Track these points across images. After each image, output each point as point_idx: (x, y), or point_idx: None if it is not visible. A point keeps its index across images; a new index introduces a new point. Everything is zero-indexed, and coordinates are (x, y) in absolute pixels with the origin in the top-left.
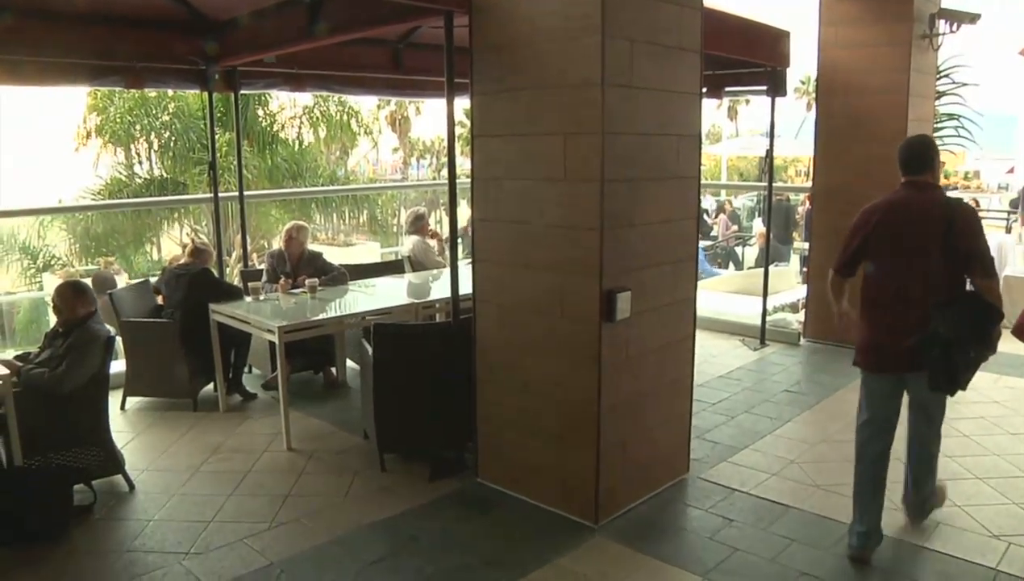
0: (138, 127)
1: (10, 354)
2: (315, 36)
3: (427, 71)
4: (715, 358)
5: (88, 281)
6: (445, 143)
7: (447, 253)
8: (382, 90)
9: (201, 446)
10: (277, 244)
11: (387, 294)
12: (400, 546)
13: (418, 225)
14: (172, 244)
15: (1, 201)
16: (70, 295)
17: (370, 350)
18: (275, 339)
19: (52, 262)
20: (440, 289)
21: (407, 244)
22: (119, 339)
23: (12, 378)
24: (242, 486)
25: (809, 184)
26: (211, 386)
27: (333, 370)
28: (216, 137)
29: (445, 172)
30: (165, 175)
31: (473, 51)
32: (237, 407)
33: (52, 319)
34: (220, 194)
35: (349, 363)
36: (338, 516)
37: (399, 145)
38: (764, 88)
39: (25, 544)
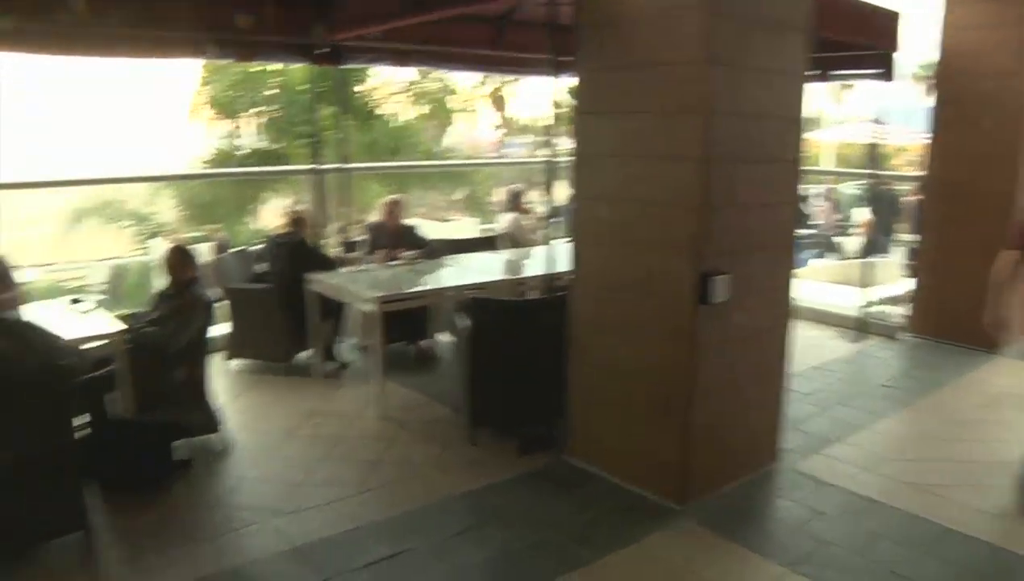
0: (244, 100)
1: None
2: (421, 12)
3: (529, 48)
4: (811, 348)
5: (198, 246)
6: (543, 122)
7: (542, 230)
8: (484, 67)
9: (296, 410)
10: (376, 217)
11: (482, 269)
12: (486, 518)
13: (515, 202)
14: (273, 214)
15: (115, 169)
16: (178, 259)
17: (465, 323)
18: (373, 309)
19: (161, 229)
20: (535, 266)
21: (504, 221)
22: (225, 302)
23: (124, 335)
24: (334, 450)
25: (918, 173)
26: (308, 352)
27: (426, 342)
28: (319, 111)
29: (543, 151)
30: (268, 147)
31: (578, 28)
32: (332, 374)
33: (160, 283)
34: (322, 166)
35: (442, 336)
36: (426, 485)
37: (497, 123)
38: (873, 72)
39: (128, 494)
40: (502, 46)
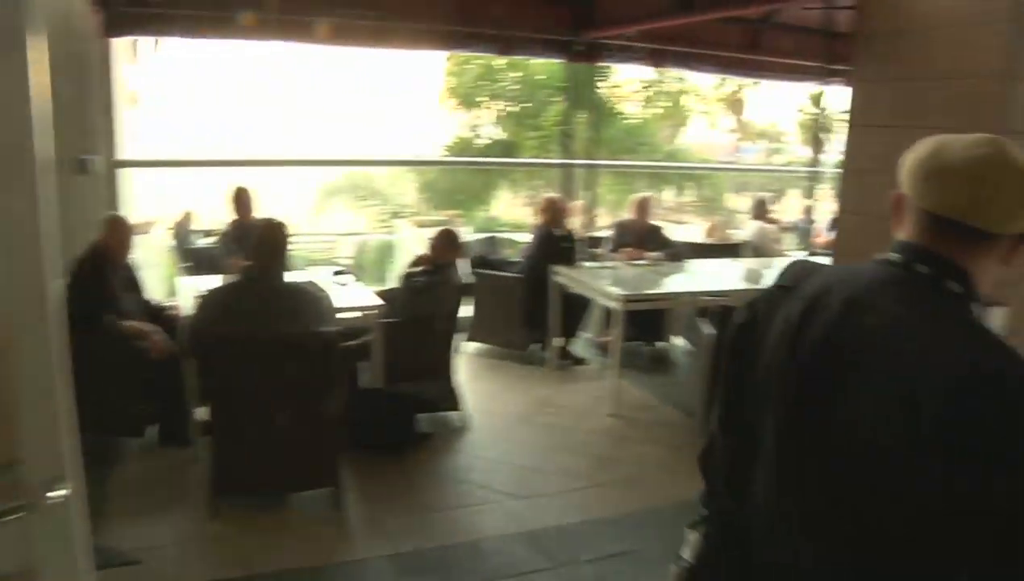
0: (484, 92)
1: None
2: (688, 13)
3: (787, 53)
4: None
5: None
6: (779, 127)
7: (786, 241)
8: (737, 70)
9: (530, 398)
10: (623, 215)
11: (723, 276)
12: None
13: (761, 211)
14: (507, 204)
15: (365, 151)
16: (446, 241)
17: (710, 331)
18: (616, 307)
19: (402, 210)
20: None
21: (749, 229)
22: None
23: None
24: (567, 441)
25: None
26: (543, 344)
27: (661, 344)
28: (566, 106)
29: (777, 158)
30: (507, 138)
31: (860, 36)
32: (566, 368)
33: (397, 261)
34: (573, 161)
35: (677, 339)
36: (657, 488)
37: (732, 126)
38: None
39: (371, 459)
40: (760, 50)
